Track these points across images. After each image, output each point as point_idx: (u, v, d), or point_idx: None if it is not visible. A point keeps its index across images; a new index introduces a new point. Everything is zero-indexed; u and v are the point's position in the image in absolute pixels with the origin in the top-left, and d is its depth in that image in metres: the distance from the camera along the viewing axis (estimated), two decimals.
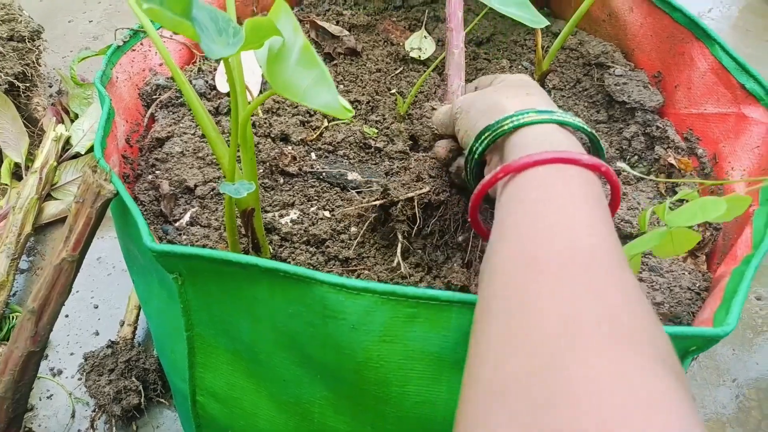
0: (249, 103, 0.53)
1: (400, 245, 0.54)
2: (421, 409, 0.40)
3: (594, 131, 0.42)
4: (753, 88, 0.66)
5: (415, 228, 0.53)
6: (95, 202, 0.46)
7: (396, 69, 0.80)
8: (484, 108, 0.45)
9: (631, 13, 0.78)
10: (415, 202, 0.52)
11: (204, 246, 0.59)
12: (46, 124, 0.93)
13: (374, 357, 0.39)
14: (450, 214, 0.53)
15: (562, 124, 0.40)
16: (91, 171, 0.46)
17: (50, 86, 1.04)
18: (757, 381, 0.74)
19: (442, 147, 0.55)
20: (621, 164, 0.71)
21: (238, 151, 0.51)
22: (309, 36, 0.80)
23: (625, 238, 0.61)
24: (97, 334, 0.75)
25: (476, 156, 0.44)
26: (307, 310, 0.39)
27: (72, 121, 0.96)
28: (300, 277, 0.38)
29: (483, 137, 0.43)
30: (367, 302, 0.37)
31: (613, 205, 0.41)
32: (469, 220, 0.45)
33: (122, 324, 0.73)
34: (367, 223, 0.57)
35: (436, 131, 0.57)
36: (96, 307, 0.78)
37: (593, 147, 0.45)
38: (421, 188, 0.52)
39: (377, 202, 0.55)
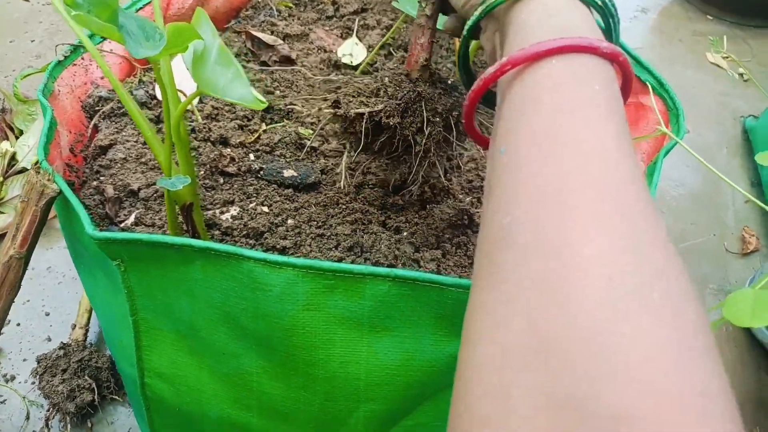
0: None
1: (344, 158, 0.52)
2: (347, 368, 0.45)
3: (614, 9, 0.37)
4: (647, 79, 0.73)
5: (362, 144, 0.51)
6: (40, 200, 0.50)
7: (329, 74, 0.85)
8: None
9: None
10: (365, 119, 0.49)
11: None
12: None
13: (300, 324, 0.44)
14: (399, 140, 0.50)
15: None
16: (35, 171, 0.50)
17: None
18: None
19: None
20: None
21: (174, 147, 0.55)
22: (245, 46, 0.85)
23: None
24: (49, 340, 0.77)
25: (465, 33, 0.39)
26: (238, 285, 0.44)
27: (17, 138, 0.98)
28: (229, 254, 0.42)
29: (475, 11, 0.37)
30: (289, 275, 0.42)
31: (624, 97, 0.36)
32: (463, 123, 0.39)
33: (74, 327, 0.75)
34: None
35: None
36: (47, 314, 0.80)
37: (607, 28, 0.39)
38: (374, 105, 0.49)
39: (328, 110, 0.51)
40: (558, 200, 0.25)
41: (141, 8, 0.77)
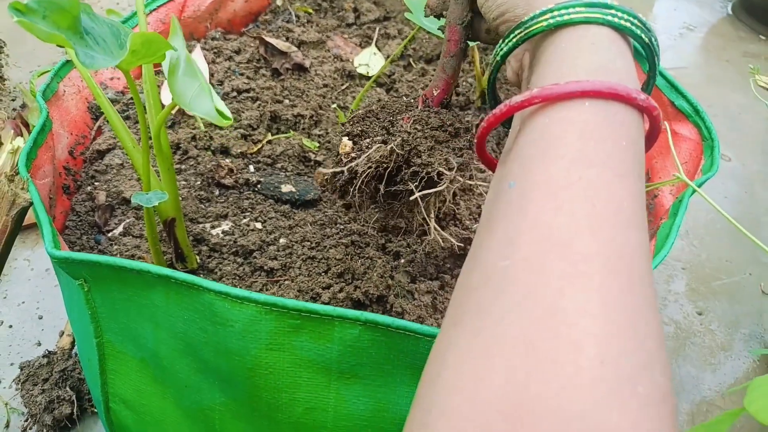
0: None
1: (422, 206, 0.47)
2: (312, 415, 0.41)
3: (655, 41, 0.34)
4: (682, 105, 0.67)
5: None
6: (11, 210, 0.47)
7: (342, 85, 0.81)
8: None
9: None
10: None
11: (132, 256, 0.60)
12: (5, 136, 0.93)
13: (263, 364, 0.40)
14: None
15: (618, 28, 0.31)
16: (7, 180, 0.47)
17: (13, 100, 1.05)
18: (699, 405, 0.74)
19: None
20: None
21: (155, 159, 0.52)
22: (258, 52, 0.82)
23: None
24: (39, 344, 0.75)
25: (498, 58, 0.36)
26: (199, 317, 0.40)
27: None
28: (188, 284, 0.39)
29: (512, 36, 0.35)
30: (251, 311, 0.38)
31: (648, 147, 0.33)
32: (475, 143, 0.36)
33: (62, 334, 0.73)
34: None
35: None
36: (40, 317, 0.78)
37: (647, 59, 0.36)
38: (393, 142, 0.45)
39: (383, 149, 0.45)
40: (564, 257, 0.23)
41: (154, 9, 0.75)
